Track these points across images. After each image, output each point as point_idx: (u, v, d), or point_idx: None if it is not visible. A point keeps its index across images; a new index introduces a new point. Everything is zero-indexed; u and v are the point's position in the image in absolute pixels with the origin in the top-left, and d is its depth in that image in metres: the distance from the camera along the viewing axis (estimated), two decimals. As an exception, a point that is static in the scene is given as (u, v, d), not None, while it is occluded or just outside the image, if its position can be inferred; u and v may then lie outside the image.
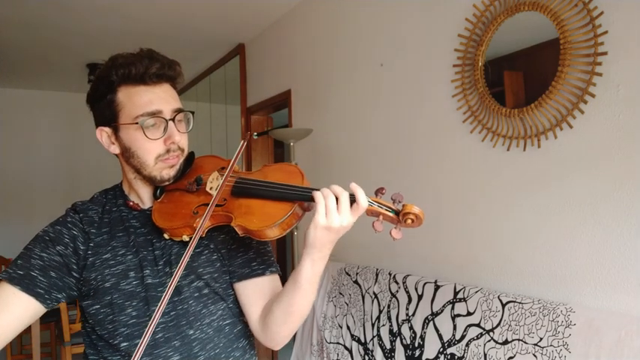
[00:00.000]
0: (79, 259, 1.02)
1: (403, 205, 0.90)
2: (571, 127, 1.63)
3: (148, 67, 0.99)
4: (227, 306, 1.07)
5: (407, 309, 2.05)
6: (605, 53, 1.53)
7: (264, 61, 3.86)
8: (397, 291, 2.14)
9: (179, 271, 0.89)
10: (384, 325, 2.16)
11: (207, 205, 0.97)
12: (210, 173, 1.06)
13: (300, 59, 3.32)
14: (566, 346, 1.48)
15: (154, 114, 0.99)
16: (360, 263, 2.47)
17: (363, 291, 2.33)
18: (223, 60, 4.46)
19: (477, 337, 1.74)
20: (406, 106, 2.37)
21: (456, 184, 2.08)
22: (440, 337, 1.88)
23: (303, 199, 0.94)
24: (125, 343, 0.99)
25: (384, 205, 0.91)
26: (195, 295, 1.03)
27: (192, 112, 1.08)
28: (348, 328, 2.36)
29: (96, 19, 3.51)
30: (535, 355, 1.55)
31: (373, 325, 2.21)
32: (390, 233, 0.90)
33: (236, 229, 0.97)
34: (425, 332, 1.95)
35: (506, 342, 1.64)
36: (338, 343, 2.39)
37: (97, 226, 1.06)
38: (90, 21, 3.53)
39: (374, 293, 2.26)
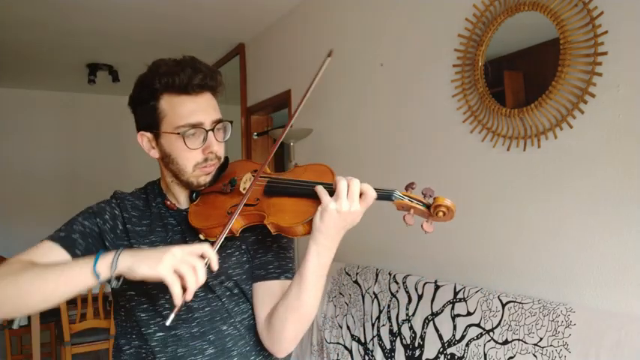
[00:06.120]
0: (116, 238, 1.06)
1: (434, 199, 0.92)
2: (571, 127, 1.63)
3: (191, 77, 1.01)
4: None
5: (407, 309, 2.05)
6: (605, 53, 1.53)
7: (264, 61, 3.86)
8: (397, 291, 2.14)
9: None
10: (384, 325, 2.16)
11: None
12: (243, 175, 1.08)
13: (300, 59, 3.32)
14: (566, 346, 1.48)
15: (195, 125, 1.02)
16: (360, 263, 2.47)
17: (363, 291, 2.33)
18: (223, 60, 4.45)
19: (477, 337, 1.74)
20: (406, 106, 2.37)
21: (456, 184, 2.08)
22: (440, 337, 1.88)
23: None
24: (161, 333, 1.03)
25: (415, 199, 0.93)
26: (227, 294, 1.08)
27: (231, 122, 1.11)
28: (348, 328, 2.36)
29: (96, 19, 3.51)
30: (535, 355, 1.55)
31: (373, 325, 2.21)
32: (422, 226, 0.93)
33: (268, 226, 0.98)
34: (425, 332, 1.95)
35: (506, 342, 1.64)
36: (338, 343, 2.39)
37: (137, 215, 1.11)
38: (90, 21, 3.53)
39: (374, 293, 2.26)
